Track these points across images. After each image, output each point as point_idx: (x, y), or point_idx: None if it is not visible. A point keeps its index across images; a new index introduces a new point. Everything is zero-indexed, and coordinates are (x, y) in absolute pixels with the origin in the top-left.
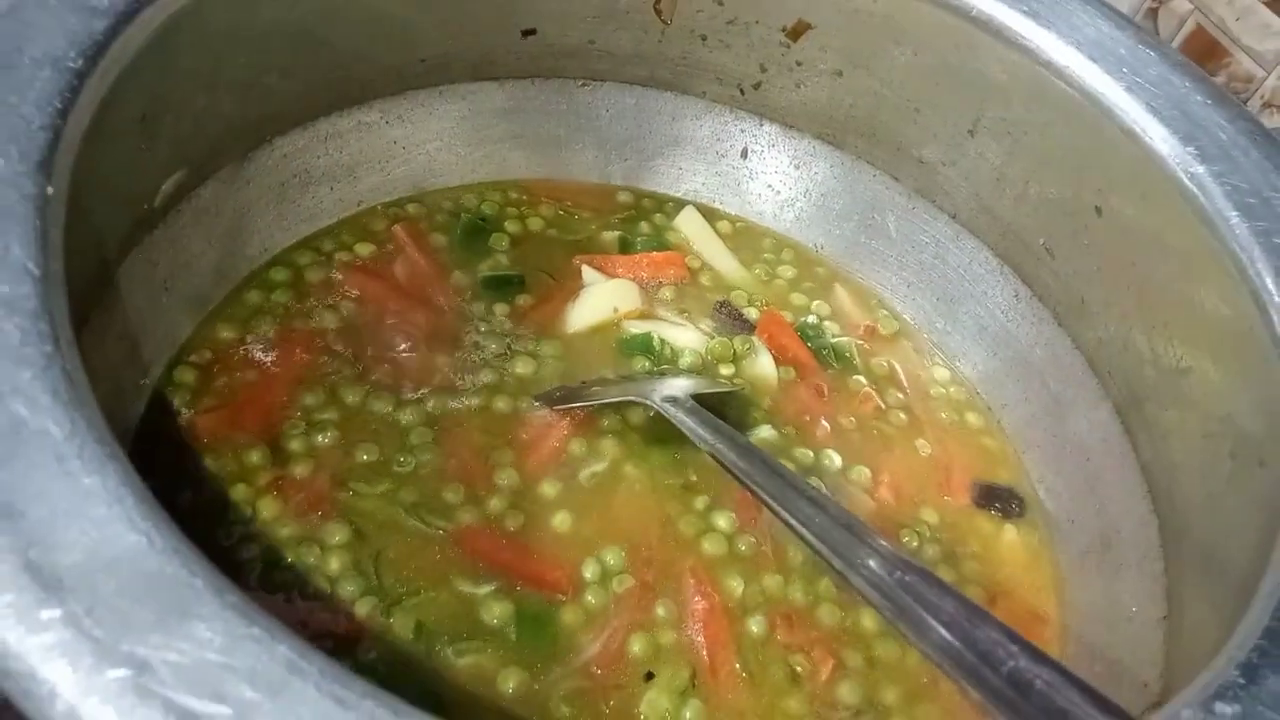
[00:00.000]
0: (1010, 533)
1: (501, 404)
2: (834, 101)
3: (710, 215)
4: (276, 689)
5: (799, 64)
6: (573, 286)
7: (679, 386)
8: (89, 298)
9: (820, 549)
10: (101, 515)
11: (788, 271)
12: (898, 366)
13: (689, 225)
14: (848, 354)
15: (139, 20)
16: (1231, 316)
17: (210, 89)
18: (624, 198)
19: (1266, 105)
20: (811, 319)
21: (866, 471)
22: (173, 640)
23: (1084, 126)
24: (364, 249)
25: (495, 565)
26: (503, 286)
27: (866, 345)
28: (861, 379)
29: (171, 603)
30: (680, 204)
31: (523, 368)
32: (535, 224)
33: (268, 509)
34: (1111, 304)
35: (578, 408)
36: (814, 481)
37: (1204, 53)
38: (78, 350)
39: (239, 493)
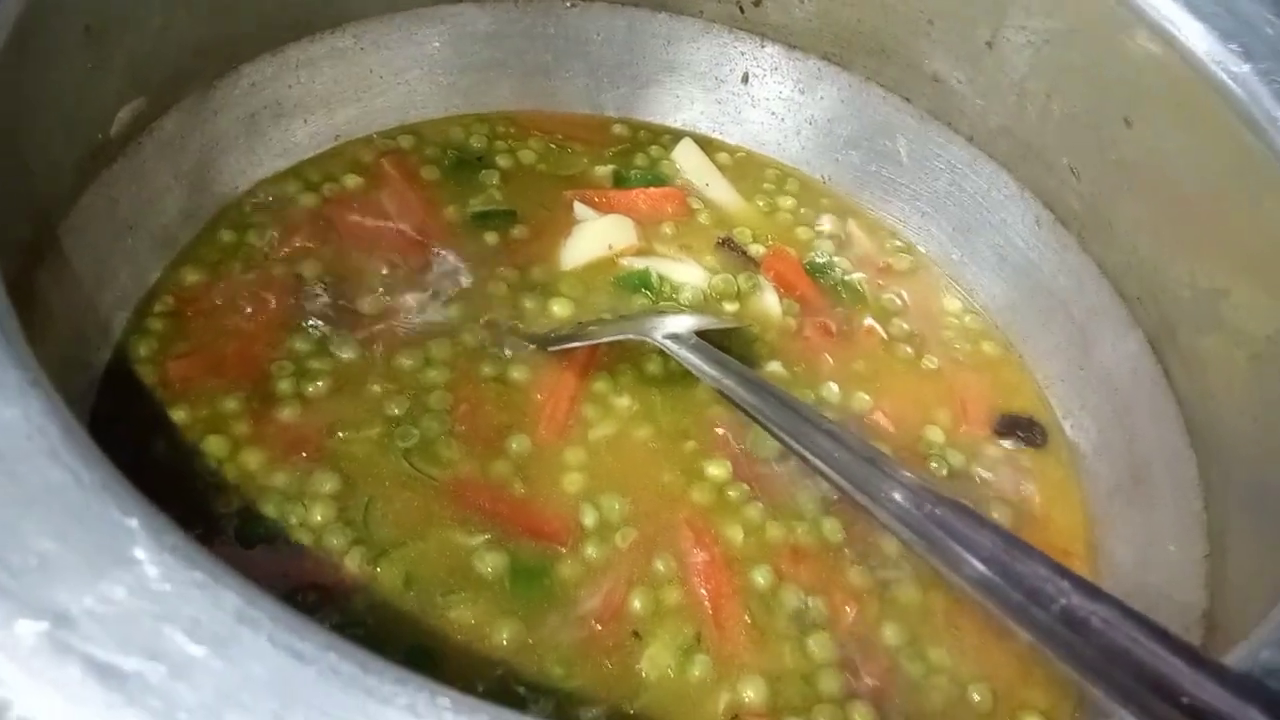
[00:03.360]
0: (1034, 463)
1: (494, 347)
2: (840, 17)
3: (709, 146)
4: (222, 642)
5: None
6: (567, 223)
7: (682, 323)
8: (41, 236)
9: (842, 484)
10: (21, 449)
11: (792, 203)
12: (911, 300)
13: (687, 159)
14: (859, 289)
15: None
16: None
17: (167, 5)
18: (619, 130)
19: None
20: (820, 256)
21: (876, 404)
22: (98, 586)
23: (1111, 30)
24: (351, 181)
25: (489, 515)
26: (494, 222)
27: (879, 280)
28: (872, 314)
29: (100, 546)
30: (678, 135)
31: (516, 306)
32: (527, 157)
33: (249, 456)
34: (1142, 225)
35: (574, 348)
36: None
37: None
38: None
39: (216, 441)
